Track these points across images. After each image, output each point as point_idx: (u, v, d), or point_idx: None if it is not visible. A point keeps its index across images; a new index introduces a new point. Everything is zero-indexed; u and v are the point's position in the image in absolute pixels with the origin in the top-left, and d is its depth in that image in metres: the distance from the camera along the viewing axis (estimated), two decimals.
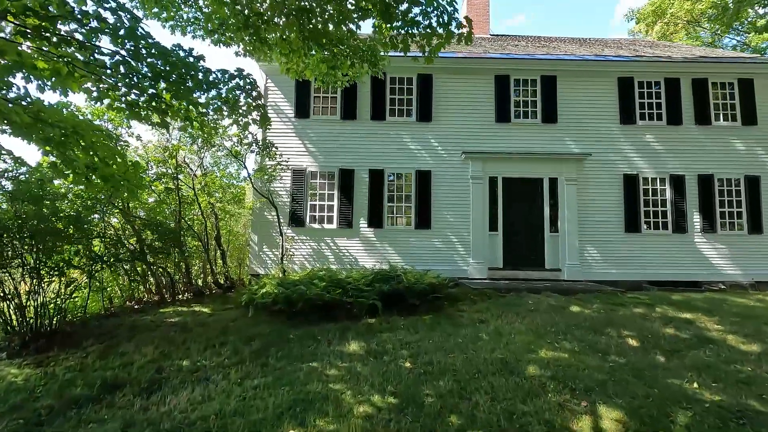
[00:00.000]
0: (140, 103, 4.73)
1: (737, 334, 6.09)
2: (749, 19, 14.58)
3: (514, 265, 10.27)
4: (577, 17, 68.05)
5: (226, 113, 5.41)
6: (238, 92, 5.20)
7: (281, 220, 9.61)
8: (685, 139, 10.56)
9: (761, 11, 14.76)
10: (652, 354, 5.46)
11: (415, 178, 10.44)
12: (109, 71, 4.24)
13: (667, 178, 10.47)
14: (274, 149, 8.79)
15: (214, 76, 4.87)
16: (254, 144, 8.45)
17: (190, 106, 4.96)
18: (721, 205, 10.44)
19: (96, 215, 7.80)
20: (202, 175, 9.90)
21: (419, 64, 10.60)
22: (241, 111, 5.41)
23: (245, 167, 8.94)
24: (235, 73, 5.06)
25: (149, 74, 4.45)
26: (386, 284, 7.55)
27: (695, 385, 4.52)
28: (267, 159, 9.13)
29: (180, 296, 9.25)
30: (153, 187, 9.38)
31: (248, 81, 5.28)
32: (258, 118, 5.72)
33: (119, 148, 7.99)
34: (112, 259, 7.27)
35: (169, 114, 4.97)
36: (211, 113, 5.33)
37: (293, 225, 10.20)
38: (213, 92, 5.09)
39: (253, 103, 5.41)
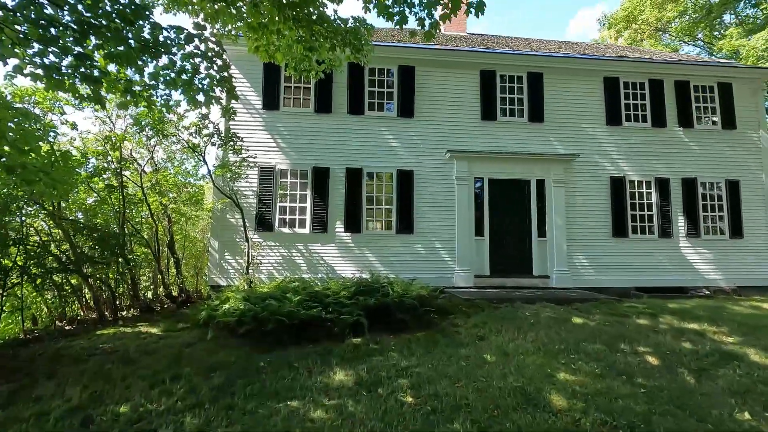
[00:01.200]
0: (63, 68, 3.56)
1: (756, 347, 5.63)
2: (731, 21, 14.99)
3: (502, 273, 9.61)
4: (529, 32, 70.16)
5: (181, 89, 4.29)
6: (197, 60, 4.12)
7: (246, 224, 8.44)
8: (670, 142, 10.36)
9: (728, 19, 15.28)
10: (679, 374, 4.84)
11: (396, 178, 9.58)
12: (11, 16, 3.07)
13: (653, 181, 10.20)
14: (238, 142, 7.64)
15: (165, 35, 3.77)
16: (215, 135, 7.27)
17: (135, 74, 3.84)
18: (704, 209, 10.29)
19: (16, 217, 6.35)
20: (153, 171, 8.56)
21: (400, 54, 9.85)
22: (201, 86, 4.32)
23: (204, 163, 7.69)
24: (194, 33, 3.98)
25: (73, 25, 3.29)
26: (371, 297, 6.60)
27: (747, 415, 3.89)
28: (230, 154, 7.97)
29: (124, 313, 7.86)
30: (92, 185, 7.95)
31: (211, 46, 4.21)
32: (223, 97, 4.64)
33: (50, 141, 6.59)
34: (34, 271, 5.86)
35: (104, 84, 3.82)
36: (162, 88, 4.20)
37: (260, 229, 9.04)
38: (164, 59, 3.97)
39: (217, 76, 4.33)
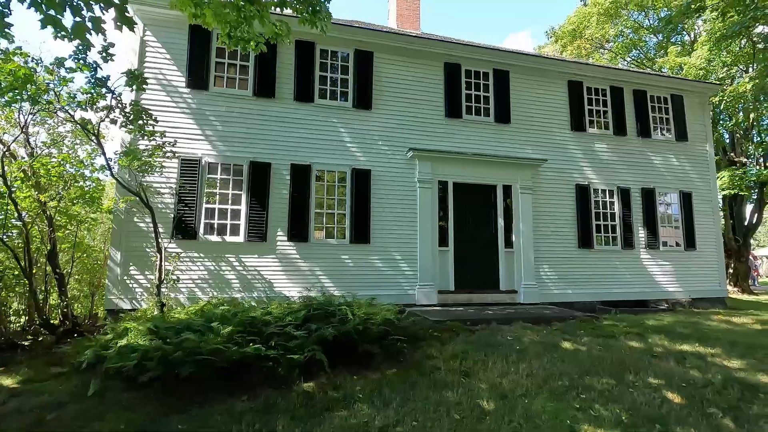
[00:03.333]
0: None
1: (764, 372, 5.02)
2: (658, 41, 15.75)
3: (467, 287, 8.58)
4: None
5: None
6: None
7: (159, 229, 6.57)
8: (630, 151, 10.11)
9: (655, 40, 16.15)
10: (713, 416, 3.98)
11: (350, 178, 8.20)
12: None
13: (615, 191, 9.84)
14: (151, 122, 5.81)
15: None
16: (118, 110, 5.40)
17: None
18: (662, 221, 10.12)
19: None
20: (27, 157, 6.38)
21: (356, 36, 8.56)
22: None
23: (99, 146, 5.58)
24: None
25: None
26: (326, 325, 5.12)
27: None
28: (141, 136, 6.10)
29: None
30: None
31: None
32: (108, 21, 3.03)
33: None
34: None
35: None
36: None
37: (179, 236, 7.16)
38: None
39: None
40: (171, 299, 6.81)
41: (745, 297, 12.90)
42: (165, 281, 6.42)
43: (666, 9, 14.13)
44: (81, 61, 5.06)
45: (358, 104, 8.43)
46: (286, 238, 7.70)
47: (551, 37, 18.50)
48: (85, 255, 7.73)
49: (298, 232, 7.75)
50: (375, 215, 8.21)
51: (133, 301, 6.83)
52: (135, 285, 6.92)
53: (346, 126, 8.34)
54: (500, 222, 8.96)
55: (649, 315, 8.39)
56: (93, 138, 5.43)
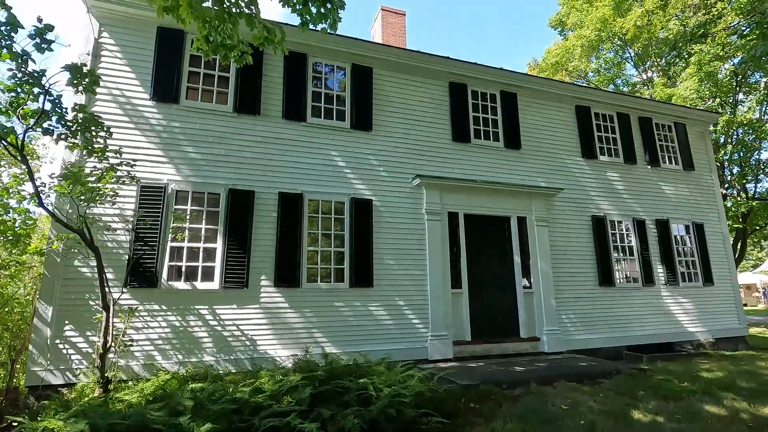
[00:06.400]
0: None
1: None
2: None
3: (484, 336, 7.36)
4: None
5: None
6: None
7: (109, 276, 5.00)
8: (641, 180, 9.48)
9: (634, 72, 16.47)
10: None
11: (349, 209, 6.96)
12: None
13: (631, 223, 9.10)
14: (102, 134, 4.39)
15: None
16: (54, 116, 3.96)
17: None
18: (677, 254, 9.42)
19: None
20: None
21: (354, 49, 7.55)
22: None
23: (27, 168, 3.97)
24: None
25: None
26: (342, 407, 3.72)
27: None
28: (88, 155, 4.64)
29: None
30: None
31: None
32: None
33: None
34: None
35: None
36: None
37: (136, 284, 5.57)
38: None
39: None
40: (121, 368, 5.15)
41: (753, 331, 12.36)
42: (113, 346, 4.80)
43: (646, 42, 14.34)
44: (5, 49, 3.66)
45: (356, 125, 7.32)
46: (271, 284, 6.25)
47: (534, 69, 18.52)
48: (5, 310, 5.94)
49: (287, 275, 6.32)
50: (378, 253, 6.95)
51: (67, 374, 5.11)
52: (71, 351, 5.21)
53: (342, 149, 7.17)
54: (516, 258, 7.91)
55: (685, 361, 7.44)
56: (17, 154, 3.92)
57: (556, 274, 8.08)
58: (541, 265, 7.91)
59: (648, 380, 5.96)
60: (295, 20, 3.97)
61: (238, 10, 3.97)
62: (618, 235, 8.91)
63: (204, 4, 3.88)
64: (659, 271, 9.10)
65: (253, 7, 4.02)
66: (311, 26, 3.98)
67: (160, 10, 3.70)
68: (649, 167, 9.63)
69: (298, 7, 3.99)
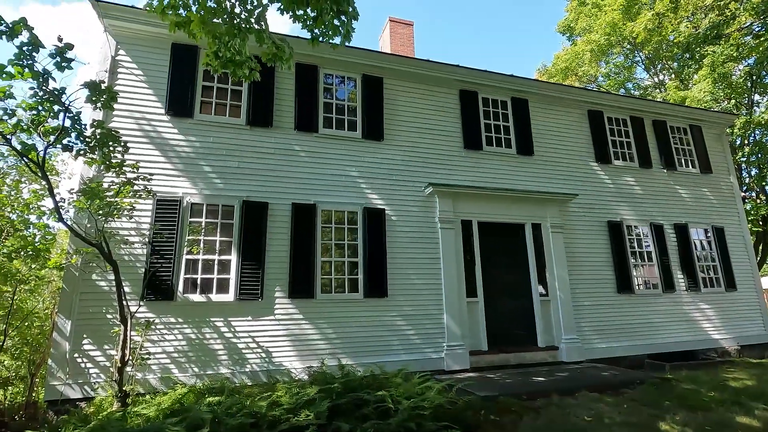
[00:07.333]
0: None
1: None
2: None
3: (501, 346, 7.23)
4: None
5: None
6: None
7: (126, 290, 5.05)
8: (657, 184, 9.32)
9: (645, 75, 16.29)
10: None
11: (362, 218, 6.94)
12: None
13: (649, 228, 8.92)
14: (120, 149, 4.47)
15: None
16: (74, 132, 4.03)
17: None
18: (698, 259, 9.20)
19: None
20: None
21: (364, 59, 7.60)
22: None
23: (47, 184, 4.08)
24: None
25: None
26: (361, 421, 3.66)
27: None
28: (106, 170, 4.72)
29: None
30: None
31: None
32: None
33: None
34: None
35: None
36: None
37: (152, 297, 5.61)
38: None
39: None
40: (138, 382, 5.16)
41: None
42: (131, 359, 4.82)
43: (657, 44, 14.23)
44: (27, 69, 3.75)
45: (367, 134, 7.34)
46: (286, 295, 6.24)
47: (544, 74, 18.49)
48: (26, 324, 6.01)
49: (301, 286, 6.31)
50: (392, 262, 6.91)
51: (86, 388, 5.14)
52: (89, 365, 5.24)
53: (354, 159, 7.18)
54: (531, 265, 7.79)
55: (711, 370, 7.20)
56: (38, 170, 4.00)
57: (573, 281, 7.94)
58: (557, 272, 7.78)
59: (673, 390, 5.78)
60: (306, 33, 3.96)
61: (248, 26, 4.04)
62: (635, 240, 8.75)
63: (214, 20, 3.98)
64: (679, 276, 8.88)
65: (262, 23, 4.09)
66: (325, 40, 4.00)
67: (172, 25, 3.78)
68: (665, 171, 9.47)
69: (308, 23, 4.02)
